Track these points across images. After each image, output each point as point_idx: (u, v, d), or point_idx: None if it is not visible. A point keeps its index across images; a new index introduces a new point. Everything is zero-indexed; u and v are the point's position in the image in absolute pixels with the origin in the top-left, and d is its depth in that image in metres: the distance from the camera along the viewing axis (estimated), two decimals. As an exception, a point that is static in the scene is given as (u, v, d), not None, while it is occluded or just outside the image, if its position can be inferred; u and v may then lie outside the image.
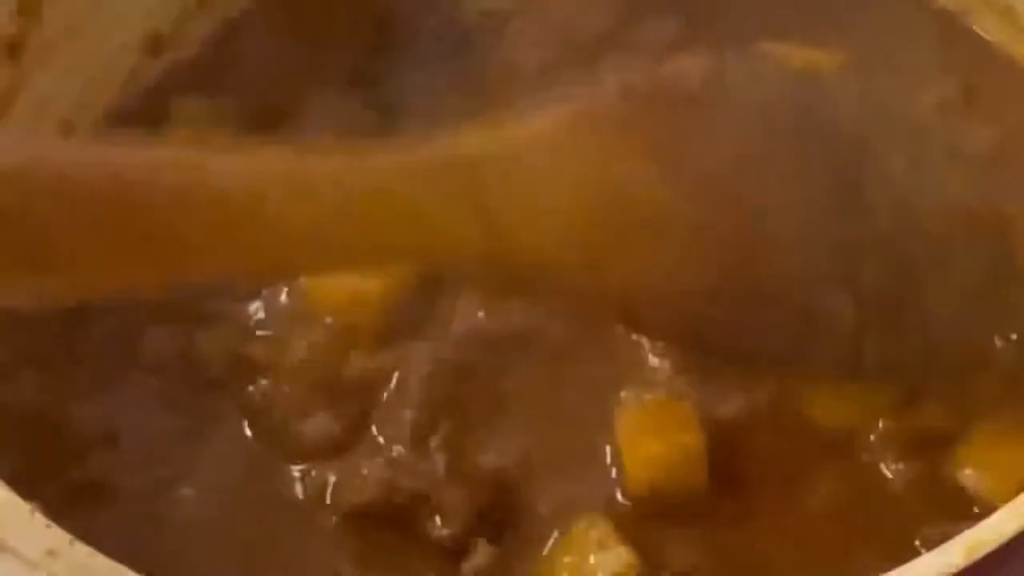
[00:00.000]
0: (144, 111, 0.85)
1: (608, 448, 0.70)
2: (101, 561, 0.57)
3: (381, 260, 0.67)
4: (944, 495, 0.69)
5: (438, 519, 0.69)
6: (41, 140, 0.75)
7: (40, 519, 0.59)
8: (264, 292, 0.77)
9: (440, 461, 0.69)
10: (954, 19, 0.87)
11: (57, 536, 0.58)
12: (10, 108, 0.80)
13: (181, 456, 0.73)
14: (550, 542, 0.69)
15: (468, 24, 0.88)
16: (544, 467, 0.71)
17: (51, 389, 0.75)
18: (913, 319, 0.67)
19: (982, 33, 0.86)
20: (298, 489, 0.71)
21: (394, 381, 0.73)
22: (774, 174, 0.65)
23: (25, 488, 0.60)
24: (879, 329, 0.66)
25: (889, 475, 0.70)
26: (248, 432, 0.73)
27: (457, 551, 0.68)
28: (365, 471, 0.70)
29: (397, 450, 0.71)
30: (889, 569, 0.55)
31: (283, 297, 0.77)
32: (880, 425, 0.70)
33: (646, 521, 0.68)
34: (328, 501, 0.70)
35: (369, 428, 0.72)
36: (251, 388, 0.74)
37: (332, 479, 0.71)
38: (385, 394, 0.73)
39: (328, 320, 0.75)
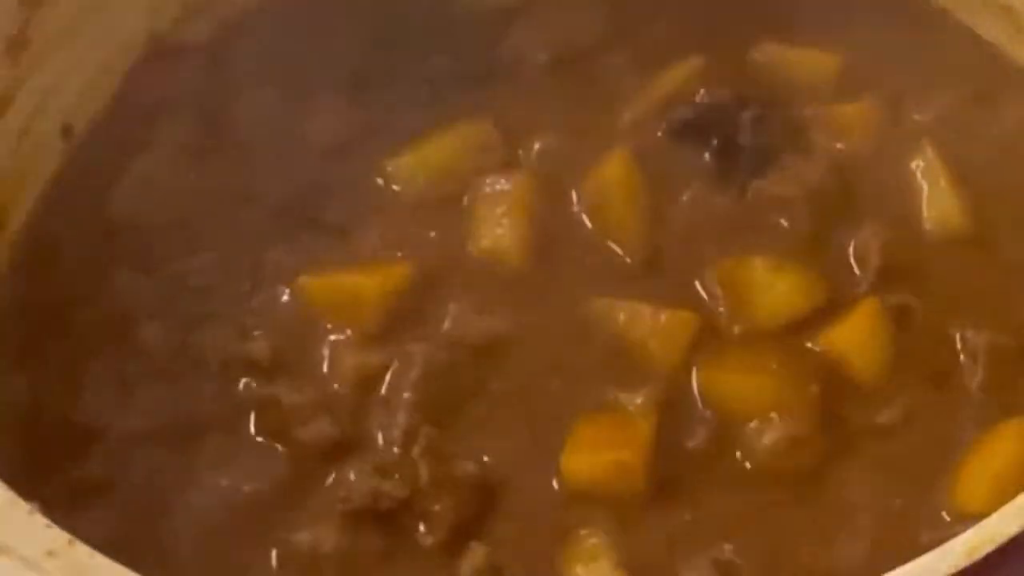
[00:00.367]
0: (142, 112, 0.85)
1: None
2: (101, 561, 0.57)
3: None
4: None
5: (422, 526, 0.69)
6: None
7: (40, 519, 0.59)
8: (264, 292, 0.78)
9: (424, 468, 0.70)
10: (954, 19, 0.87)
11: (57, 536, 0.58)
12: (10, 108, 0.80)
13: (181, 456, 0.73)
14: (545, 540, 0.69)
15: (468, 24, 0.88)
16: (516, 468, 0.72)
17: (51, 389, 0.75)
18: None
19: (982, 33, 0.86)
20: (298, 489, 0.72)
21: (387, 381, 0.74)
22: None
23: (25, 488, 0.60)
24: None
25: None
26: (248, 432, 0.74)
27: (452, 553, 0.68)
28: (353, 476, 0.70)
29: (387, 454, 0.71)
30: (889, 569, 0.55)
31: (283, 297, 0.77)
32: None
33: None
34: (328, 502, 0.71)
35: (362, 428, 0.73)
36: (251, 388, 0.74)
37: (330, 480, 0.71)
38: (378, 394, 0.74)
39: (327, 320, 0.76)
